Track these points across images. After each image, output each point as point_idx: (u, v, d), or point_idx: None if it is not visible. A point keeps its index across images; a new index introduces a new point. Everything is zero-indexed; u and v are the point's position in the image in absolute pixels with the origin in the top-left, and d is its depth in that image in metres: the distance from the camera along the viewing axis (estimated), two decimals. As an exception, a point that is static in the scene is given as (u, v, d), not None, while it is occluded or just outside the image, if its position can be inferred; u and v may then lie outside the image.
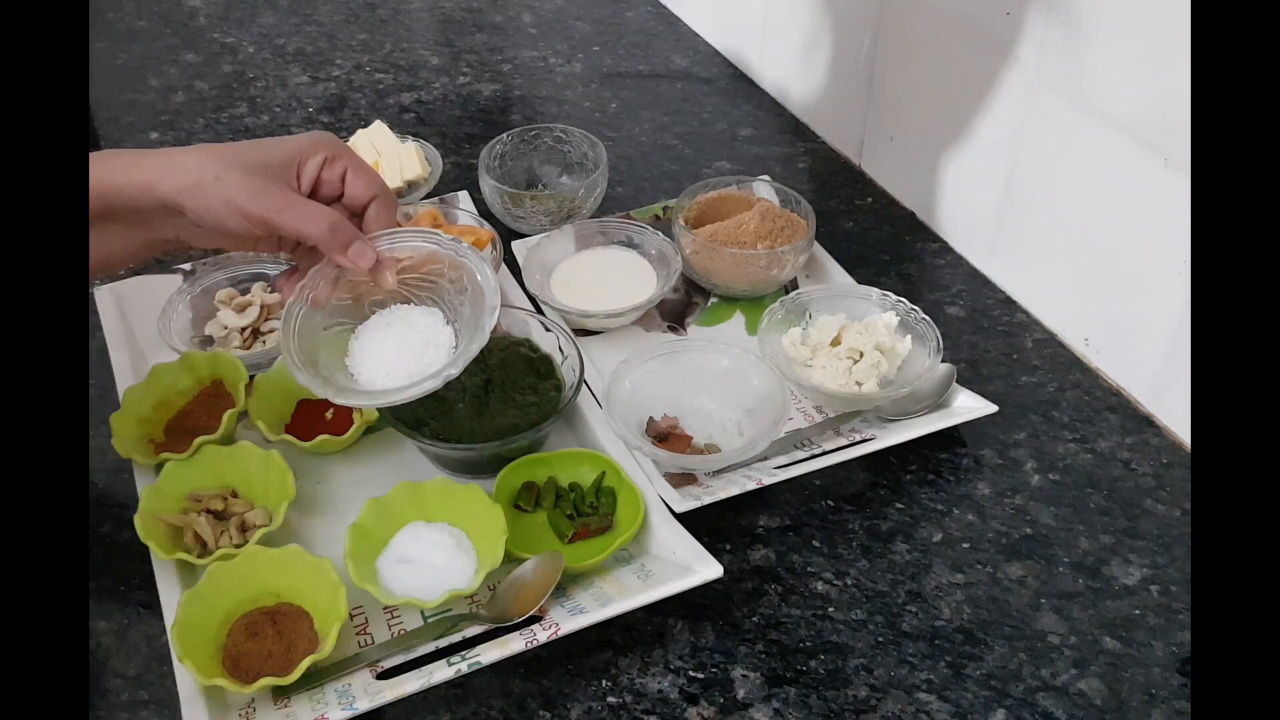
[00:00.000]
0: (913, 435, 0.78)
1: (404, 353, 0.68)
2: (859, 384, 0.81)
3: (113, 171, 0.63)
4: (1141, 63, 0.74)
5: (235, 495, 0.74)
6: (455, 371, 0.66)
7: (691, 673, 0.66)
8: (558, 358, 0.80)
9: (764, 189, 0.97)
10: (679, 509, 0.72)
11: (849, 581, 0.71)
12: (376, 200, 0.69)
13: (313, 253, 0.68)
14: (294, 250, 0.70)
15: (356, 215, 0.69)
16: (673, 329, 0.91)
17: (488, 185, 0.99)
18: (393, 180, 1.02)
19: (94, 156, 0.64)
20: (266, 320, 0.88)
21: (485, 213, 0.99)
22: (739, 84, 1.24)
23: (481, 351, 0.79)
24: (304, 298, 0.68)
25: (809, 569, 0.72)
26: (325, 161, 0.67)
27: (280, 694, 0.63)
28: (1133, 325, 0.82)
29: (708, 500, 0.73)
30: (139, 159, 0.64)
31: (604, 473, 0.75)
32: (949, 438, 0.80)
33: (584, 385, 0.78)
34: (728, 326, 0.91)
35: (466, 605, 0.68)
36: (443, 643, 0.66)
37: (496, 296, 0.67)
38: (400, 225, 0.70)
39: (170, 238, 0.67)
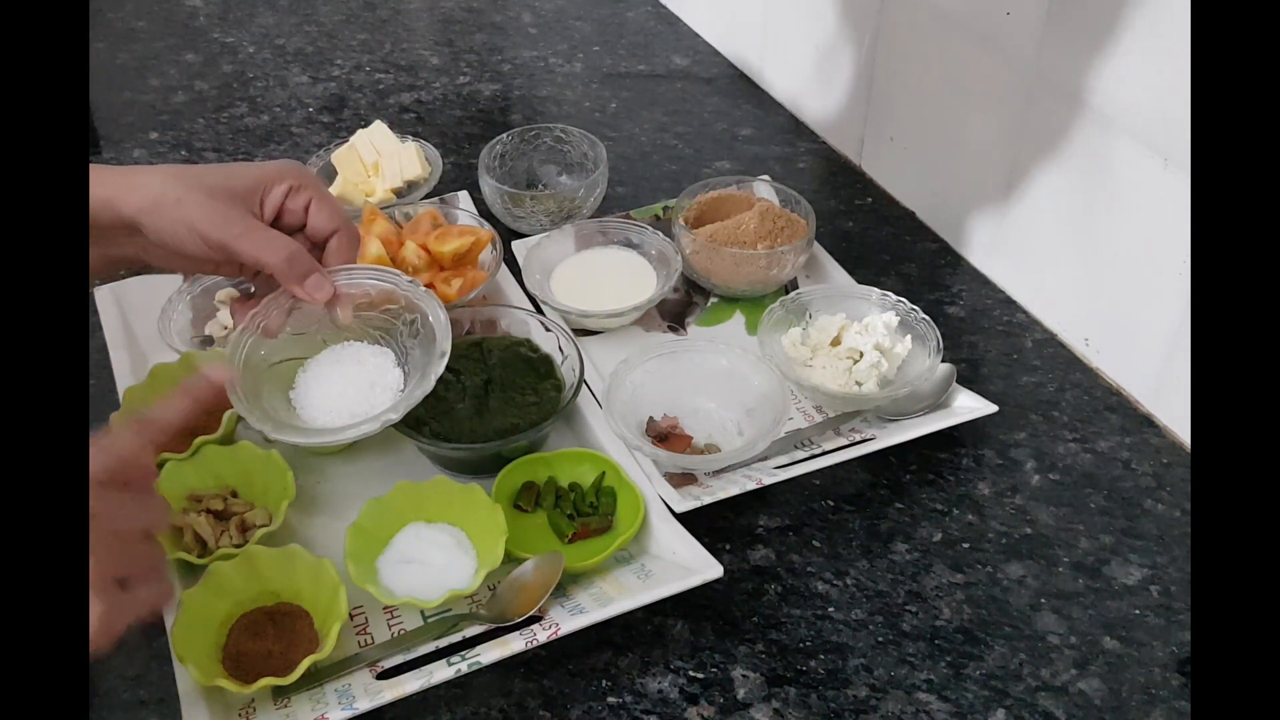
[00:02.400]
0: (913, 435, 0.78)
1: (350, 391, 0.68)
2: (859, 384, 0.81)
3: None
4: (1141, 63, 0.74)
5: (235, 495, 0.74)
6: (395, 417, 0.65)
7: (691, 673, 0.66)
8: (558, 358, 0.80)
9: (764, 189, 0.97)
10: (679, 509, 0.72)
11: (849, 581, 0.71)
12: (339, 234, 0.67)
13: (272, 281, 0.67)
14: (254, 277, 0.69)
15: (318, 248, 0.68)
16: (673, 329, 0.91)
17: (488, 185, 0.99)
18: (393, 180, 1.02)
19: None
20: (266, 320, 0.88)
21: (485, 213, 0.99)
22: (739, 84, 1.24)
23: (481, 351, 0.80)
24: (254, 325, 0.67)
25: (809, 569, 0.72)
26: (290, 190, 0.66)
27: (280, 694, 0.63)
28: (1133, 325, 0.82)
29: (708, 500, 0.73)
30: (102, 175, 0.63)
31: (604, 473, 0.75)
32: (949, 438, 0.80)
33: (584, 385, 0.78)
34: (728, 326, 0.91)
35: (466, 605, 0.68)
36: (443, 643, 0.66)
37: (447, 341, 0.67)
38: (379, 262, 0.69)
39: (130, 256, 0.66)
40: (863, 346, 0.82)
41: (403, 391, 0.68)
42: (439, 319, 0.68)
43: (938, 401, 0.81)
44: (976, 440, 0.80)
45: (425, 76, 1.26)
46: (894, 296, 0.86)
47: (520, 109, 1.21)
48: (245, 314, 0.68)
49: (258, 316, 0.67)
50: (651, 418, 0.81)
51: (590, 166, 1.03)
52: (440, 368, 0.66)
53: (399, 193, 1.03)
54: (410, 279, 0.69)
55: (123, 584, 0.52)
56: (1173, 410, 0.81)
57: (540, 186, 1.04)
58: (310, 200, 0.66)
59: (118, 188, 0.62)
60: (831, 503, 0.76)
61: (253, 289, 0.70)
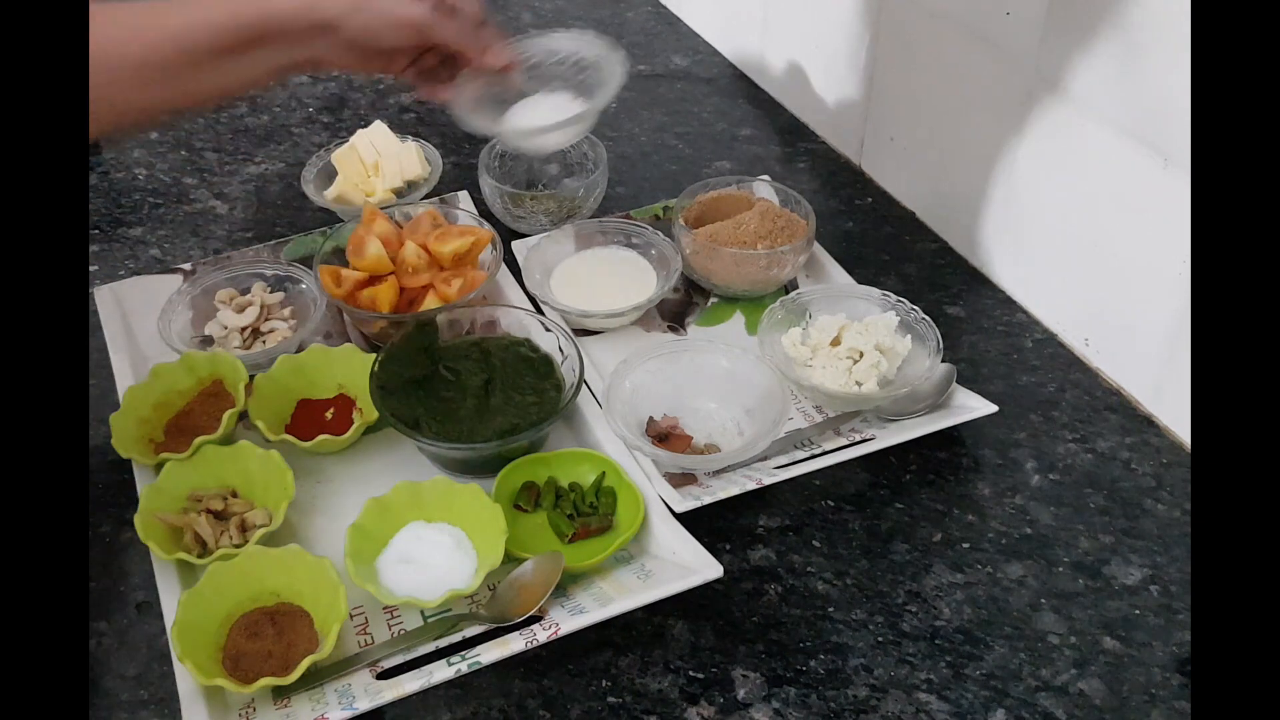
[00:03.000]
0: (913, 435, 0.78)
1: (551, 118, 0.82)
2: (859, 384, 0.81)
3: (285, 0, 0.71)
4: (1141, 63, 0.74)
5: (235, 495, 0.74)
6: (598, 106, 0.82)
7: (691, 673, 0.66)
8: (558, 358, 0.80)
9: (764, 189, 0.97)
10: (679, 509, 0.72)
11: (849, 581, 0.71)
12: (486, 25, 0.82)
13: (433, 72, 0.82)
14: (416, 75, 0.82)
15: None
16: (673, 329, 0.91)
17: (488, 185, 0.99)
18: (393, 180, 1.02)
19: None
20: (266, 320, 0.88)
21: (485, 213, 0.99)
22: (739, 84, 1.24)
23: (481, 351, 0.80)
24: (465, 83, 0.82)
25: (809, 569, 0.72)
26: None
27: (280, 694, 0.63)
28: (1133, 325, 0.82)
29: (708, 500, 0.73)
30: None
31: (604, 473, 0.75)
32: (949, 438, 0.80)
33: (584, 385, 0.78)
34: (728, 326, 0.91)
35: (466, 605, 0.68)
36: (443, 643, 0.66)
37: (621, 66, 0.82)
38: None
39: (309, 58, 0.75)
40: (863, 346, 0.82)
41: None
42: (608, 55, 0.84)
43: (938, 401, 0.81)
44: (976, 440, 0.80)
45: (425, 76, 1.26)
46: (894, 296, 0.86)
47: (520, 109, 1.20)
48: (433, 89, 0.82)
49: (463, 80, 0.81)
50: (651, 418, 0.81)
51: (590, 167, 1.03)
52: (620, 80, 0.82)
53: (399, 193, 1.03)
54: (567, 31, 0.86)
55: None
56: (1173, 410, 0.81)
57: (540, 186, 1.04)
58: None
59: None
60: (831, 503, 0.76)
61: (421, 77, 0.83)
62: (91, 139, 0.98)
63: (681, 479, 0.76)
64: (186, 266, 0.93)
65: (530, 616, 0.66)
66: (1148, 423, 0.82)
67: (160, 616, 0.67)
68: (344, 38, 0.73)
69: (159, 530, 0.70)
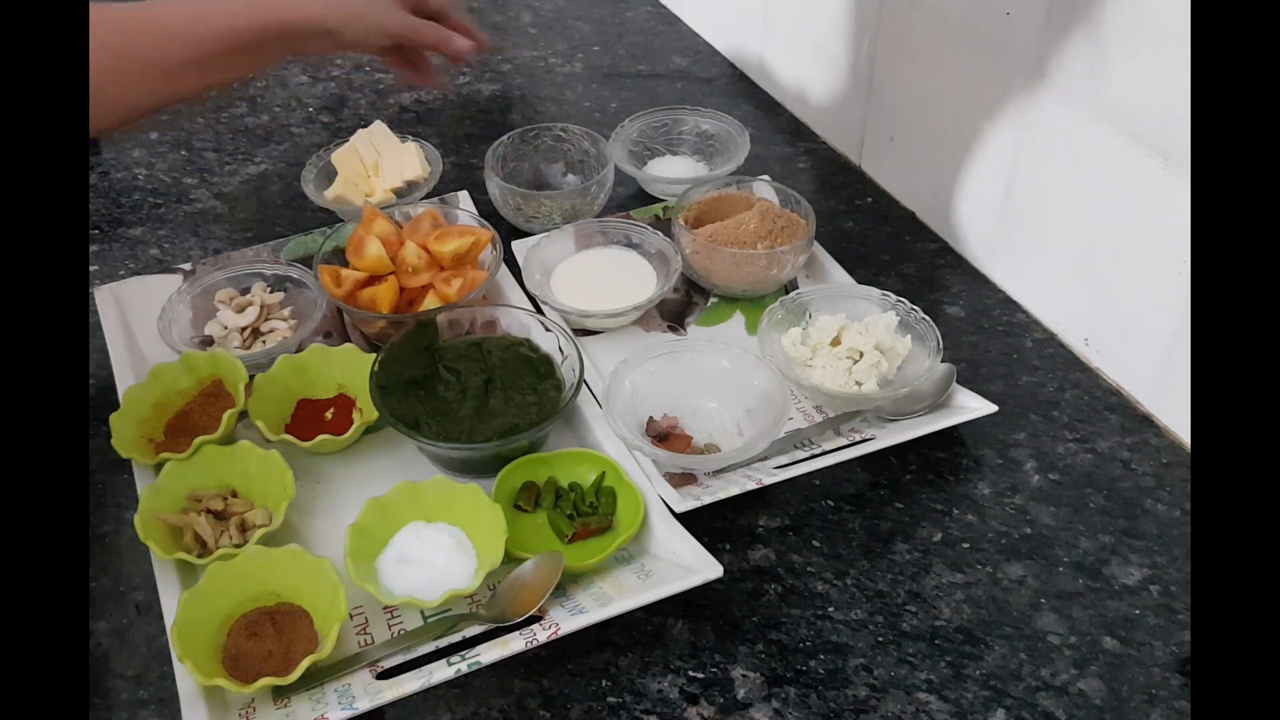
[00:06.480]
0: (913, 435, 0.78)
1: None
2: (859, 384, 0.81)
3: (293, 9, 0.83)
4: (1141, 62, 0.74)
5: (235, 495, 0.74)
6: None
7: (691, 673, 0.66)
8: (558, 358, 0.80)
9: (764, 189, 0.97)
10: (679, 509, 0.72)
11: (849, 581, 0.71)
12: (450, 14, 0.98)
13: (406, 61, 0.98)
14: (394, 60, 0.99)
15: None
16: (673, 329, 0.91)
17: (497, 187, 0.98)
18: (393, 180, 1.02)
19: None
20: (266, 320, 0.88)
21: (485, 213, 0.99)
22: (739, 84, 1.24)
23: (481, 351, 0.80)
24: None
25: (809, 569, 0.72)
26: None
27: (280, 694, 0.63)
28: (1133, 325, 0.82)
29: (708, 500, 0.73)
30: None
31: (604, 473, 0.75)
32: (949, 438, 0.80)
33: (584, 385, 0.78)
34: (728, 326, 0.91)
35: (466, 605, 0.68)
36: (443, 643, 0.66)
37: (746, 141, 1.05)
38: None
39: (303, 53, 0.99)
40: (863, 346, 0.82)
41: None
42: (735, 132, 1.07)
43: (938, 401, 0.81)
44: (976, 440, 0.80)
45: (425, 76, 1.26)
46: (894, 296, 0.86)
47: (520, 109, 1.20)
48: (409, 74, 1.00)
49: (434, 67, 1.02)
50: (651, 418, 0.81)
51: (593, 165, 1.02)
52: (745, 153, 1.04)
53: (399, 193, 1.03)
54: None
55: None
56: (1173, 410, 0.81)
57: (548, 188, 1.04)
58: None
59: (328, 6, 0.86)
60: (831, 503, 0.76)
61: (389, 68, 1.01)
62: (94, 134, 1.07)
63: (681, 479, 0.76)
64: (186, 266, 0.93)
65: (530, 616, 0.66)
66: (1148, 423, 0.82)
67: (160, 616, 0.67)
68: (340, 40, 0.88)
69: (159, 530, 0.70)
